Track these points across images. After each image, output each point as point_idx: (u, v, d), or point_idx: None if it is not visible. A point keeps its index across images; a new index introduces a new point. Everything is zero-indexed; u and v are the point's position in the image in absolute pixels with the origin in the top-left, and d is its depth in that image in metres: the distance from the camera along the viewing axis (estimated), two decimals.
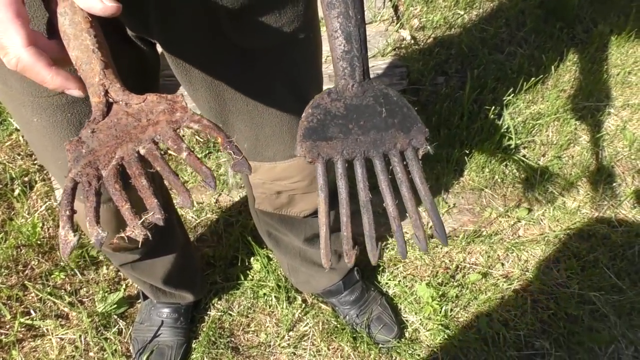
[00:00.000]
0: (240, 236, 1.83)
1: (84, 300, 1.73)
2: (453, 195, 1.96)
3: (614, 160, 2.04)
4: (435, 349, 1.64)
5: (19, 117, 0.89)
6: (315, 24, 0.93)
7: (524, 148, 2.06)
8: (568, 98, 2.16)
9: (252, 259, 1.80)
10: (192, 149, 1.99)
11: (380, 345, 1.64)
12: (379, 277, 1.79)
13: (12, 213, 1.87)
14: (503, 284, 1.76)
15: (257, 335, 1.69)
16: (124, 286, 1.75)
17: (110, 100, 0.53)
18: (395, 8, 2.44)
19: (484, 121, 2.03)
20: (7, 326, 1.65)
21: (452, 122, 2.04)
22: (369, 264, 1.80)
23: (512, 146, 2.03)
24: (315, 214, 1.29)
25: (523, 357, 1.63)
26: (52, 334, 1.65)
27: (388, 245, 1.84)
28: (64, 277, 1.75)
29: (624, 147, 2.08)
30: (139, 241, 0.47)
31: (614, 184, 1.99)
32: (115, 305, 1.68)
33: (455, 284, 1.76)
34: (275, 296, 1.73)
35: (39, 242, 1.79)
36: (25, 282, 1.72)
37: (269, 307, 1.73)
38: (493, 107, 2.03)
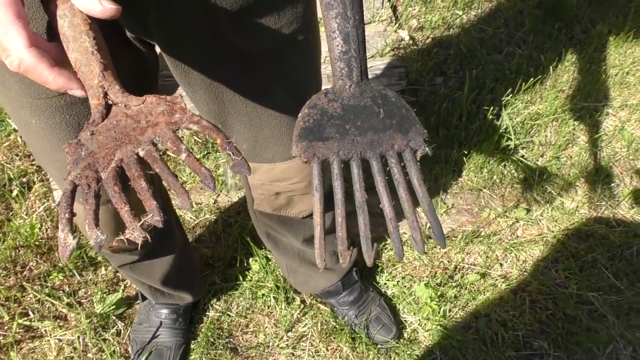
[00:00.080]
0: (238, 237, 1.83)
1: (82, 301, 1.73)
2: (451, 196, 1.96)
3: (612, 161, 2.04)
4: (433, 350, 1.64)
5: (17, 118, 0.89)
6: (314, 25, 0.93)
7: (523, 148, 2.06)
8: (566, 98, 2.16)
9: (250, 259, 1.80)
10: (191, 150, 1.99)
11: (378, 346, 1.64)
12: (377, 277, 1.79)
13: (10, 214, 1.86)
14: (501, 284, 1.76)
15: (255, 336, 1.69)
16: (122, 287, 1.75)
17: (110, 102, 0.53)
18: (394, 8, 2.44)
19: (483, 122, 2.03)
20: (6, 327, 1.65)
21: (450, 122, 2.04)
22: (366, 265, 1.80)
23: (511, 147, 2.03)
24: (313, 215, 1.29)
25: (521, 357, 1.63)
26: (50, 335, 1.65)
27: (387, 246, 1.84)
28: (62, 278, 1.75)
29: (622, 148, 2.09)
30: (138, 243, 0.47)
31: (612, 184, 1.99)
32: (114, 306, 1.68)
33: (454, 284, 1.76)
34: (274, 297, 1.73)
35: (37, 243, 1.79)
36: (24, 283, 1.72)
37: (268, 308, 1.73)
38: (492, 108, 2.03)
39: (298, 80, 0.97)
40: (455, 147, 1.98)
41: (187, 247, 1.54)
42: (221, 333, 1.68)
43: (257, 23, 0.81)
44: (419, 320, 1.70)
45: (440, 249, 1.83)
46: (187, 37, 0.81)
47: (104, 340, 1.64)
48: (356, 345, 1.64)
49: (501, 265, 1.82)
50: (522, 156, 2.03)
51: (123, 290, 1.74)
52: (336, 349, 1.65)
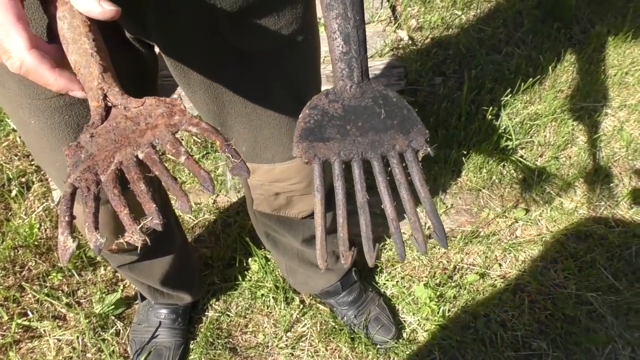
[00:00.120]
0: (238, 237, 1.83)
1: (81, 301, 1.72)
2: (451, 196, 1.96)
3: (611, 161, 2.05)
4: (432, 350, 1.64)
5: (16, 119, 0.89)
6: (313, 26, 0.93)
7: (522, 149, 2.07)
8: (565, 99, 2.16)
9: (250, 259, 1.80)
10: (191, 153, 1.99)
11: (378, 346, 1.64)
12: (376, 277, 1.79)
13: (9, 214, 1.86)
14: (500, 285, 1.76)
15: (255, 336, 1.69)
16: (121, 287, 1.75)
17: (109, 104, 0.53)
18: (393, 8, 2.44)
19: (482, 122, 2.03)
20: (4, 327, 1.64)
21: (449, 122, 2.04)
22: (367, 265, 1.80)
23: (510, 147, 2.03)
24: (312, 215, 1.28)
25: (520, 357, 1.63)
26: (49, 335, 1.65)
27: (386, 246, 1.84)
28: (61, 278, 1.75)
29: (621, 148, 2.09)
30: (137, 246, 0.47)
31: (611, 185, 1.99)
32: (113, 306, 1.68)
33: (453, 284, 1.76)
34: (273, 297, 1.73)
35: (36, 243, 1.79)
36: (23, 283, 1.72)
37: (267, 308, 1.73)
38: (491, 108, 2.03)
39: (298, 80, 0.97)
40: (455, 147, 1.98)
41: (186, 247, 1.54)
42: (220, 333, 1.68)
43: (256, 24, 0.81)
44: (418, 320, 1.70)
45: (439, 249, 1.83)
46: (187, 38, 0.81)
47: (103, 340, 1.64)
48: (355, 346, 1.64)
49: (500, 265, 1.82)
50: (521, 156, 2.03)
51: (122, 290, 1.74)
52: (335, 349, 1.65)
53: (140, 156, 0.50)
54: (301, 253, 1.49)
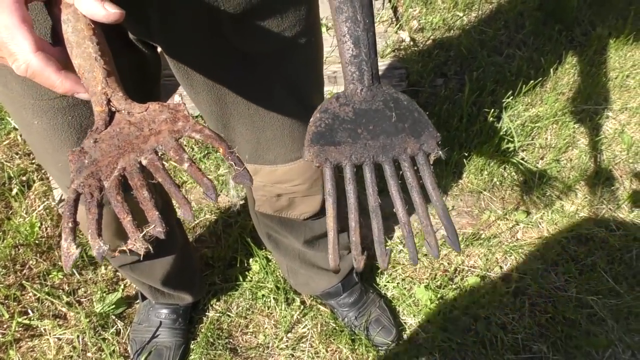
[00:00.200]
0: (239, 237, 1.83)
1: (82, 300, 1.73)
2: (452, 198, 1.96)
3: (612, 164, 2.04)
4: (433, 352, 1.64)
5: (19, 119, 0.89)
6: (316, 28, 0.93)
7: (523, 151, 2.06)
8: (567, 101, 2.16)
9: (250, 260, 1.80)
10: (192, 152, 1.99)
11: (378, 348, 1.64)
12: (377, 279, 1.79)
13: (10, 212, 1.86)
14: (501, 287, 1.76)
15: (255, 337, 1.69)
16: (122, 286, 1.75)
17: (113, 109, 0.53)
18: (395, 9, 2.44)
19: (483, 124, 2.03)
20: (5, 326, 1.65)
21: (451, 124, 2.04)
22: (368, 267, 1.80)
23: (511, 149, 2.03)
24: (314, 216, 1.29)
25: None
26: (49, 334, 1.65)
27: (387, 248, 1.84)
28: (62, 277, 1.75)
29: (622, 151, 2.09)
30: (140, 254, 0.47)
31: (612, 188, 1.99)
32: (114, 306, 1.68)
33: (454, 286, 1.76)
34: (274, 297, 1.73)
35: (37, 241, 1.79)
36: (23, 281, 1.72)
37: (268, 309, 1.73)
38: (492, 110, 2.03)
39: (300, 82, 0.97)
40: (456, 149, 1.98)
41: (187, 247, 1.53)
42: (221, 333, 1.68)
43: (259, 25, 0.81)
44: (419, 322, 1.70)
45: (440, 249, 1.83)
46: (190, 39, 0.81)
47: (104, 339, 1.64)
48: (356, 347, 1.64)
49: (501, 267, 1.82)
50: (522, 159, 2.03)
51: (123, 290, 1.74)
52: (336, 351, 1.65)
53: (144, 162, 0.50)
54: (302, 254, 1.49)
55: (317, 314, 1.72)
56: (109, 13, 0.52)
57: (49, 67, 0.51)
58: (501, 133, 2.03)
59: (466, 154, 1.98)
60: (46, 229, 1.83)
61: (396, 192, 0.57)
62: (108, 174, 0.50)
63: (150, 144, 0.51)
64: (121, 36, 0.82)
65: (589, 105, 2.17)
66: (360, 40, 0.57)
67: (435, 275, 1.79)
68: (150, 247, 0.47)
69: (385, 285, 1.78)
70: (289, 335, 1.68)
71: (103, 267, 1.78)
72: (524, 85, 2.11)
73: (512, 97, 2.11)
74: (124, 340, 1.66)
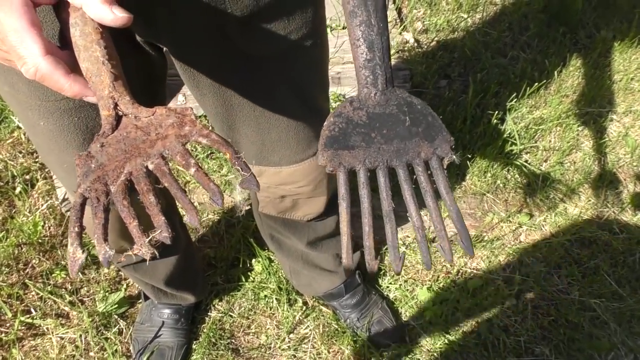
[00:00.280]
0: (241, 237, 1.83)
1: (84, 299, 1.73)
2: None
3: (615, 167, 2.04)
4: (435, 354, 1.64)
5: (25, 120, 0.89)
6: (322, 30, 0.93)
7: (526, 153, 2.06)
8: (571, 103, 2.16)
9: (253, 260, 1.80)
10: (195, 152, 1.99)
11: (380, 349, 1.64)
12: (380, 280, 1.79)
13: (14, 211, 1.86)
14: (504, 290, 1.76)
15: (257, 337, 1.69)
16: (124, 286, 1.75)
17: (120, 113, 0.53)
18: (399, 10, 2.44)
19: (487, 126, 2.03)
20: (8, 324, 1.65)
21: (454, 126, 2.04)
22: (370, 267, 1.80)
23: (515, 151, 2.03)
24: (318, 218, 1.30)
25: None
26: (52, 333, 1.65)
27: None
28: (64, 276, 1.75)
29: (625, 154, 2.08)
30: (146, 259, 0.47)
31: (616, 191, 1.99)
32: (116, 305, 1.69)
33: (456, 288, 1.76)
34: (276, 298, 1.73)
35: (40, 240, 1.79)
36: (26, 280, 1.72)
37: (270, 309, 1.73)
38: (496, 112, 2.02)
39: (306, 84, 0.97)
40: (459, 151, 1.98)
41: (190, 247, 1.54)
42: (223, 334, 1.69)
43: (266, 28, 0.81)
44: (421, 324, 1.70)
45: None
46: (197, 42, 0.81)
47: (106, 339, 1.65)
48: (358, 348, 1.64)
49: (504, 270, 1.82)
50: (526, 161, 2.03)
51: (125, 289, 1.74)
52: (338, 352, 1.65)
53: (150, 167, 0.50)
54: (305, 255, 1.49)
55: (319, 315, 1.72)
56: (117, 17, 0.52)
57: (58, 71, 0.51)
58: (505, 135, 2.03)
59: (470, 156, 1.98)
60: (49, 228, 1.83)
61: (410, 197, 0.57)
62: (114, 179, 0.50)
63: (157, 149, 0.51)
64: (128, 38, 0.82)
65: (593, 108, 2.16)
66: (375, 44, 0.57)
67: (438, 277, 1.79)
68: (157, 253, 0.47)
69: (387, 287, 1.78)
70: (291, 336, 1.68)
71: (106, 267, 1.78)
72: (528, 88, 2.10)
73: (516, 99, 2.11)
74: (126, 340, 1.67)
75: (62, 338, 1.65)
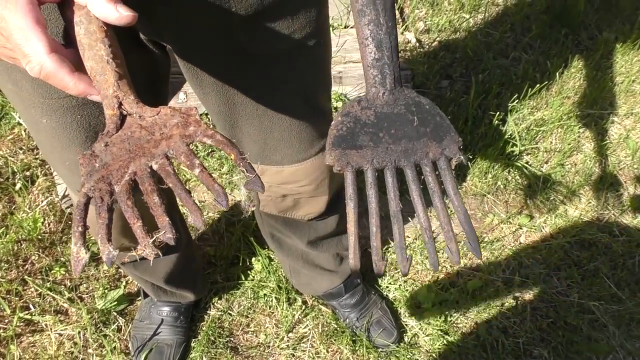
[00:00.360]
0: (241, 236, 1.82)
1: (83, 296, 1.73)
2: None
3: (616, 169, 2.04)
4: (434, 354, 1.64)
5: (28, 117, 0.89)
6: (325, 29, 0.93)
7: (527, 155, 2.06)
8: (572, 105, 2.16)
9: (253, 259, 1.80)
10: (197, 150, 1.99)
11: (379, 349, 1.64)
12: (379, 280, 1.79)
13: (13, 207, 1.86)
14: (503, 291, 1.76)
15: (256, 336, 1.69)
16: (124, 283, 1.75)
17: (124, 112, 0.52)
18: (401, 10, 2.44)
19: (488, 126, 2.03)
20: (6, 320, 1.65)
21: (456, 126, 2.03)
22: (370, 268, 1.80)
23: (516, 152, 2.03)
24: (319, 217, 1.29)
25: None
26: (51, 329, 1.65)
27: (389, 249, 1.84)
28: (64, 272, 1.75)
29: (626, 156, 2.08)
30: (150, 260, 0.47)
31: (617, 193, 1.99)
32: (115, 302, 1.68)
33: (456, 289, 1.76)
34: (275, 297, 1.73)
35: (39, 237, 1.79)
36: (25, 276, 1.72)
37: (269, 308, 1.73)
38: (497, 113, 2.02)
39: (309, 83, 0.97)
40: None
41: (190, 245, 1.54)
42: (222, 332, 1.68)
43: (270, 27, 0.81)
44: (420, 324, 1.70)
45: (442, 253, 1.82)
46: (200, 41, 0.81)
47: (105, 336, 1.65)
48: (357, 348, 1.64)
49: (503, 271, 1.82)
50: (527, 162, 2.03)
51: (125, 287, 1.74)
52: (336, 351, 1.65)
53: (155, 167, 0.50)
54: (306, 254, 1.49)
55: (319, 315, 1.72)
56: (122, 15, 0.52)
57: (63, 69, 0.51)
58: (506, 136, 2.03)
59: (470, 157, 1.98)
60: (49, 225, 1.83)
61: (418, 197, 0.57)
62: (119, 178, 0.50)
63: (161, 149, 0.50)
64: (132, 36, 0.82)
65: (595, 109, 2.16)
66: (383, 44, 0.57)
67: (438, 277, 1.79)
68: (160, 253, 0.47)
69: (387, 287, 1.78)
70: (290, 335, 1.68)
71: (105, 264, 1.78)
72: (529, 89, 2.10)
73: (517, 101, 2.11)
74: (125, 337, 1.66)
75: (60, 335, 1.65)
